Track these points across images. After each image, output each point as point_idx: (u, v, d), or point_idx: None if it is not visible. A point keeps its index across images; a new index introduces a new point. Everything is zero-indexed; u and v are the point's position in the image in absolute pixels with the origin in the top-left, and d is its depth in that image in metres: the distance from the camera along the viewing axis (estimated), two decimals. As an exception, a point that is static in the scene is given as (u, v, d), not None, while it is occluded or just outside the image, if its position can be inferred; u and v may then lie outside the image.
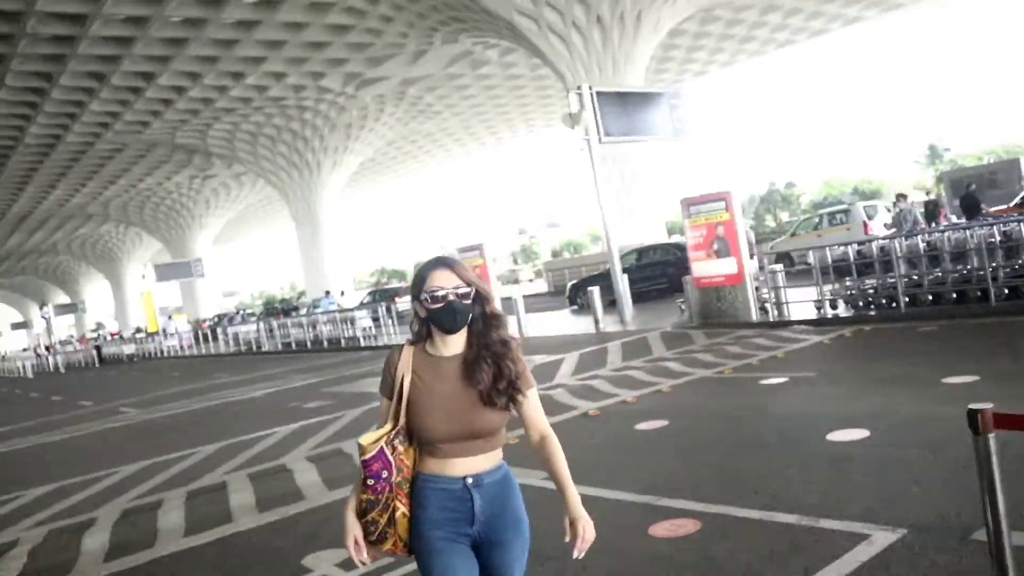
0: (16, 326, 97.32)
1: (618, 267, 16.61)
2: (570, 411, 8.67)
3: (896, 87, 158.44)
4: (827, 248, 12.40)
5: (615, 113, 16.80)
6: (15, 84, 30.10)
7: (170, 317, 50.47)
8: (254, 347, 30.18)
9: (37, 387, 31.95)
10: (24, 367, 49.53)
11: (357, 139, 44.94)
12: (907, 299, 11.41)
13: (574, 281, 24.82)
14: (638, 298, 18.99)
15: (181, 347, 39.42)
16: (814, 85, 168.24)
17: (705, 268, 13.73)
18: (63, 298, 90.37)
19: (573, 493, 2.55)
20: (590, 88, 16.53)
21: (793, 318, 12.52)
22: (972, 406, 2.72)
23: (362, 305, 28.33)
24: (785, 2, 36.95)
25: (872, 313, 11.92)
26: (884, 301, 11.88)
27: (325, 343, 25.13)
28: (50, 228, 63.76)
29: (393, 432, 2.53)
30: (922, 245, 11.53)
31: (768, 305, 13.18)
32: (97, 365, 44.20)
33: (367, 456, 2.49)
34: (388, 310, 23.67)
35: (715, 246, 13.44)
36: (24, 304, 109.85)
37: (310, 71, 35.55)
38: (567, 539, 2.52)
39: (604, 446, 7.10)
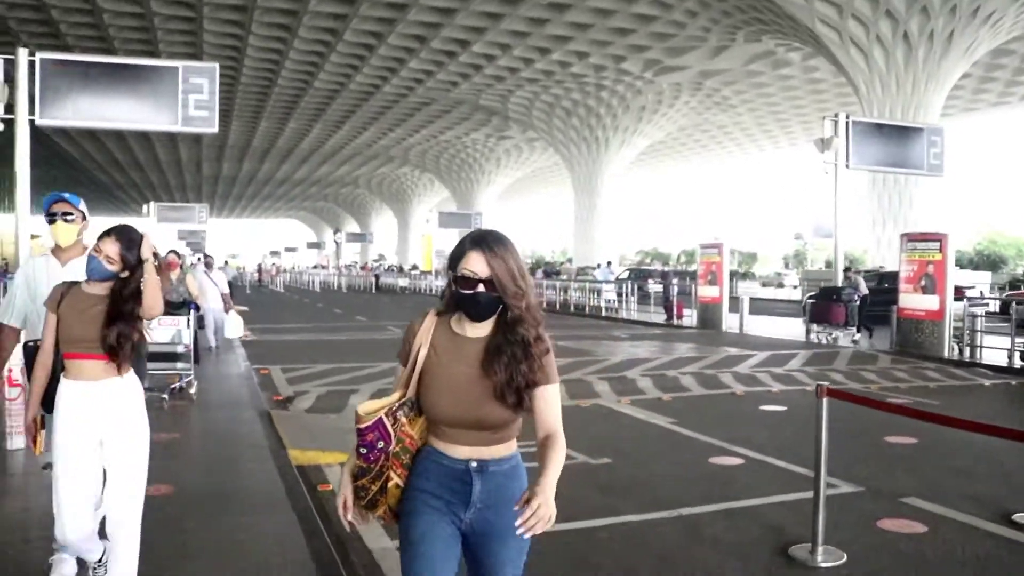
0: (311, 245, 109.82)
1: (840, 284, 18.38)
2: (726, 390, 11.10)
3: None
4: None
5: (869, 143, 18.38)
6: (350, 39, 35.63)
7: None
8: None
9: (322, 300, 38.03)
10: (312, 282, 57.45)
11: (649, 122, 47.51)
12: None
13: (811, 294, 26.29)
14: (873, 320, 19.39)
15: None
16: None
17: (911, 301, 15.34)
18: (353, 227, 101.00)
19: (551, 477, 2.37)
20: (846, 116, 18.24)
21: (984, 362, 13.91)
22: (819, 383, 5.12)
23: (616, 280, 31.26)
24: None
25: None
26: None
27: (572, 308, 28.54)
28: (355, 163, 72.08)
29: (398, 403, 2.54)
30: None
31: (963, 346, 14.59)
32: (374, 291, 50.65)
33: (362, 425, 2.50)
34: (635, 288, 26.54)
35: (923, 282, 15.02)
36: (320, 227, 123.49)
37: (612, 54, 38.50)
38: (516, 507, 2.32)
39: (726, 414, 9.56)
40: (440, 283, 47.02)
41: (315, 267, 79.68)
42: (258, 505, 5.56)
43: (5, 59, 12.86)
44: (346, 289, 53.86)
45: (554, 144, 50.35)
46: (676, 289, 23.43)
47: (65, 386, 3.72)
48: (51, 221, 4.44)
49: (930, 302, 14.94)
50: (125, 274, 3.72)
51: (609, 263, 38.59)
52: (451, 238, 69.93)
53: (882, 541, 5.27)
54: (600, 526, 5.46)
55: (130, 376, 3.80)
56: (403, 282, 52.79)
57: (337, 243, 78.70)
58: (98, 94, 13.56)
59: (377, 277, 55.01)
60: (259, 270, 65.68)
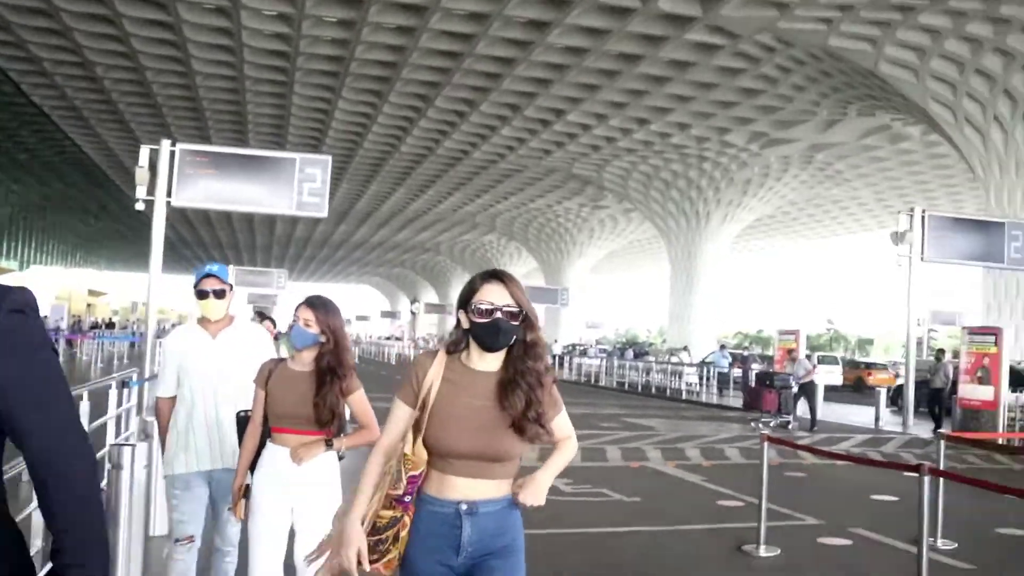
0: (385, 314, 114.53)
1: (911, 378, 21.46)
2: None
3: None
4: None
5: (947, 236, 21.57)
6: (442, 106, 40.12)
7: (555, 341, 59.68)
8: (592, 380, 37.94)
9: (400, 373, 41.95)
10: (387, 354, 62.00)
11: (754, 196, 50.45)
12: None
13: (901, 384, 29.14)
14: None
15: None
16: None
17: (968, 391, 18.51)
18: (432, 297, 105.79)
19: (548, 473, 3.03)
20: (922, 211, 21.49)
21: (1032, 450, 16.95)
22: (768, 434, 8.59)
23: (703, 363, 34.53)
24: None
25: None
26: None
27: (653, 389, 32.05)
28: (437, 229, 76.85)
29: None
30: None
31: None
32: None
33: (416, 472, 2.90)
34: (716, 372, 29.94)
35: (979, 373, 18.15)
36: (395, 295, 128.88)
37: (715, 125, 41.81)
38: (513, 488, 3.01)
39: (751, 476, 12.89)
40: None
41: (388, 338, 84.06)
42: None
43: (151, 149, 17.21)
44: (423, 362, 58.20)
45: (651, 216, 53.76)
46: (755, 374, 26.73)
47: (268, 450, 4.46)
48: (202, 296, 5.08)
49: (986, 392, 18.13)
50: (324, 339, 4.45)
51: (723, 346, 41.28)
52: (539, 314, 73.80)
53: (815, 547, 8.74)
54: (620, 532, 9.00)
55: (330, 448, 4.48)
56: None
57: (414, 313, 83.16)
58: (226, 180, 17.76)
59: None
60: (332, 340, 70.43)
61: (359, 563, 2.88)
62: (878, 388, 22.88)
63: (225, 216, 73.24)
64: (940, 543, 8.65)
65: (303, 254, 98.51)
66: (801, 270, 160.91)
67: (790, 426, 20.83)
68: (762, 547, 8.33)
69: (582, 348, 54.14)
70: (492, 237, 78.37)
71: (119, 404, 8.55)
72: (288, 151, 42.84)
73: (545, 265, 70.53)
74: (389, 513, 2.90)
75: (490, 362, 2.96)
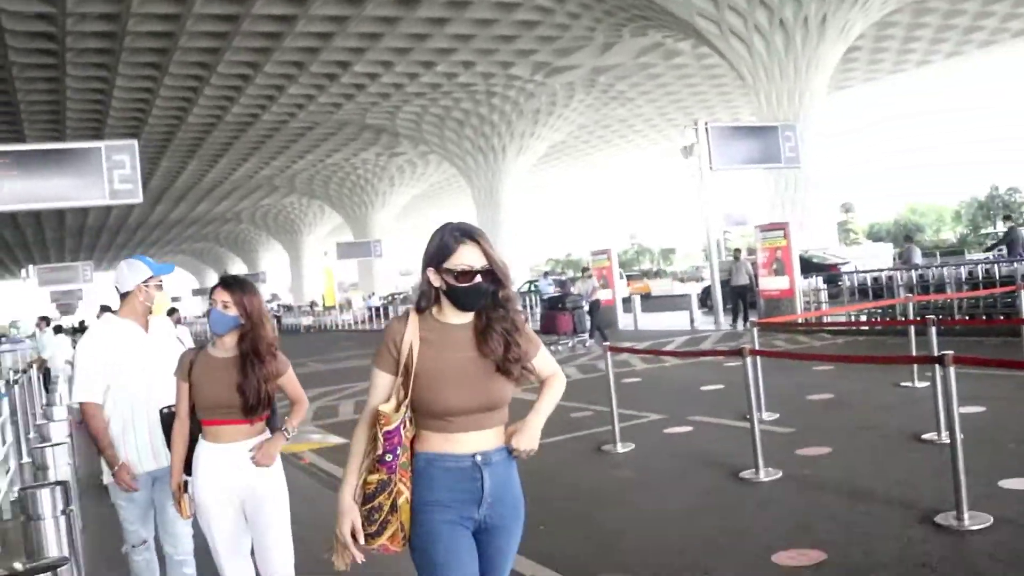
0: (196, 292, 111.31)
1: (717, 279, 23.27)
2: (599, 373, 15.67)
3: None
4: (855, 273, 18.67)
5: (729, 144, 23.28)
6: (225, 71, 39.50)
7: (372, 294, 60.11)
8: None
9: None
10: (207, 333, 61.04)
11: (545, 124, 51.97)
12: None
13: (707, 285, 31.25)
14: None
15: (356, 321, 48.84)
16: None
17: (767, 283, 20.30)
18: (241, 267, 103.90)
19: (540, 416, 3.07)
20: (705, 123, 23.11)
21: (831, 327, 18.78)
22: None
23: (527, 291, 35.60)
24: (970, 6, 40.88)
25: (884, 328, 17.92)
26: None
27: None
28: (236, 198, 75.54)
29: (405, 406, 2.86)
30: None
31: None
32: (276, 334, 54.47)
33: (390, 427, 2.83)
34: (539, 300, 31.16)
35: (775, 266, 19.94)
36: (203, 271, 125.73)
37: (499, 60, 42.77)
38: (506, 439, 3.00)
39: (592, 387, 14.10)
40: (347, 317, 51.15)
41: (202, 316, 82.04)
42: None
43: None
44: (245, 333, 57.76)
45: (449, 157, 54.55)
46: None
47: (203, 448, 4.21)
48: (160, 288, 5.02)
49: (782, 282, 19.95)
50: (244, 321, 4.21)
51: (547, 273, 42.63)
52: (351, 269, 73.63)
53: (664, 436, 9.89)
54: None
55: (264, 434, 4.28)
56: (307, 320, 56.75)
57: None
58: (31, 178, 17.45)
59: (278, 319, 58.61)
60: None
61: (355, 539, 2.89)
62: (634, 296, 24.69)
63: (8, 214, 69.81)
64: (765, 415, 9.91)
65: (98, 243, 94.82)
66: (601, 192, 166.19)
67: (587, 344, 21.71)
68: (619, 444, 9.40)
69: (402, 296, 54.75)
70: (293, 198, 77.64)
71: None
72: (71, 139, 41.64)
73: (351, 219, 70.50)
74: (376, 477, 2.85)
75: (463, 315, 2.97)
